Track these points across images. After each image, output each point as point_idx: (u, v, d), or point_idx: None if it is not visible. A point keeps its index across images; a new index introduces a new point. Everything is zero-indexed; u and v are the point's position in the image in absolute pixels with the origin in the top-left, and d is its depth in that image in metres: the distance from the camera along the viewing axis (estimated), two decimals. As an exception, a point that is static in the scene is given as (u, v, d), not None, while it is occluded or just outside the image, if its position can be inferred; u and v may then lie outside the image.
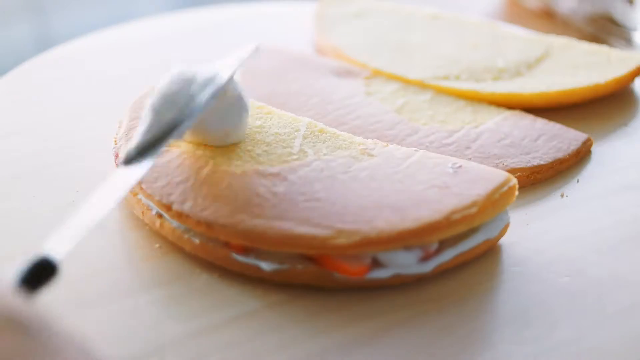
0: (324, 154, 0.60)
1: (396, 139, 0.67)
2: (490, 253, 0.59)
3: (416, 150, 0.61)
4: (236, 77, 0.61)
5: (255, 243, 0.55)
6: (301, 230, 0.54)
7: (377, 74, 0.77)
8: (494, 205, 0.57)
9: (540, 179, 0.66)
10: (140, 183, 0.59)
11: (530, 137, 0.69)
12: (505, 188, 0.58)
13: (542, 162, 0.67)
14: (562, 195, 0.65)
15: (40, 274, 0.45)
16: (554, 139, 0.69)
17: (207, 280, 0.56)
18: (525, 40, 0.83)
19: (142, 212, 0.60)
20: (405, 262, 0.55)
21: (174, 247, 0.58)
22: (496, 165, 0.65)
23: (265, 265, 0.55)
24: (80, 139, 0.70)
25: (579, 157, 0.69)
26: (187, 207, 0.56)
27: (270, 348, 0.51)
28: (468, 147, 0.67)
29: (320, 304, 0.55)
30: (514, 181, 0.58)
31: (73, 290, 0.55)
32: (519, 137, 0.69)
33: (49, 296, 0.54)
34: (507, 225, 0.59)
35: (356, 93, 0.73)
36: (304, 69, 0.77)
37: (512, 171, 0.65)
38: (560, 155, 0.68)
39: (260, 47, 0.65)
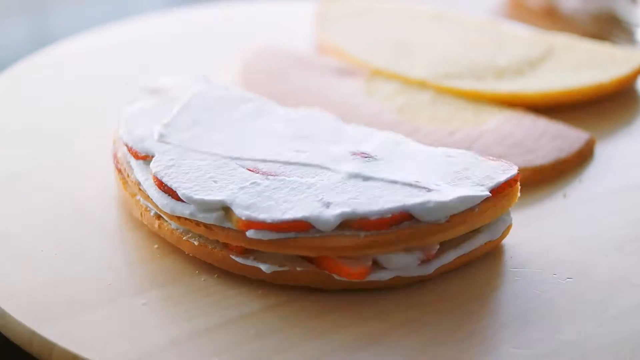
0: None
1: None
2: (492, 254, 0.59)
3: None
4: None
5: (254, 245, 0.55)
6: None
7: (377, 73, 0.77)
8: (496, 206, 0.57)
9: (543, 179, 0.66)
10: (139, 185, 0.59)
11: (532, 137, 0.68)
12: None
13: (544, 162, 0.66)
14: (564, 196, 0.65)
15: None
16: (556, 139, 0.69)
17: (206, 281, 0.56)
18: (527, 38, 0.82)
19: (141, 213, 0.59)
20: (406, 265, 0.55)
21: (173, 248, 0.58)
22: None
23: (265, 267, 0.55)
24: (78, 138, 0.70)
25: (582, 157, 0.68)
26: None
27: (270, 350, 0.51)
28: (470, 147, 0.66)
29: (320, 305, 0.54)
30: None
31: (72, 289, 0.54)
32: (521, 136, 0.68)
33: (49, 295, 0.54)
34: (509, 227, 0.59)
35: (357, 93, 0.73)
36: (305, 69, 0.77)
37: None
38: (562, 155, 0.67)
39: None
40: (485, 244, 0.57)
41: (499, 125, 0.70)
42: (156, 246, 0.59)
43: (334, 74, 0.76)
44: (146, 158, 0.59)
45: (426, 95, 0.74)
